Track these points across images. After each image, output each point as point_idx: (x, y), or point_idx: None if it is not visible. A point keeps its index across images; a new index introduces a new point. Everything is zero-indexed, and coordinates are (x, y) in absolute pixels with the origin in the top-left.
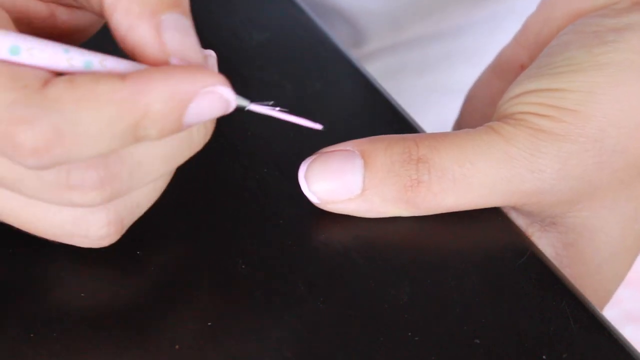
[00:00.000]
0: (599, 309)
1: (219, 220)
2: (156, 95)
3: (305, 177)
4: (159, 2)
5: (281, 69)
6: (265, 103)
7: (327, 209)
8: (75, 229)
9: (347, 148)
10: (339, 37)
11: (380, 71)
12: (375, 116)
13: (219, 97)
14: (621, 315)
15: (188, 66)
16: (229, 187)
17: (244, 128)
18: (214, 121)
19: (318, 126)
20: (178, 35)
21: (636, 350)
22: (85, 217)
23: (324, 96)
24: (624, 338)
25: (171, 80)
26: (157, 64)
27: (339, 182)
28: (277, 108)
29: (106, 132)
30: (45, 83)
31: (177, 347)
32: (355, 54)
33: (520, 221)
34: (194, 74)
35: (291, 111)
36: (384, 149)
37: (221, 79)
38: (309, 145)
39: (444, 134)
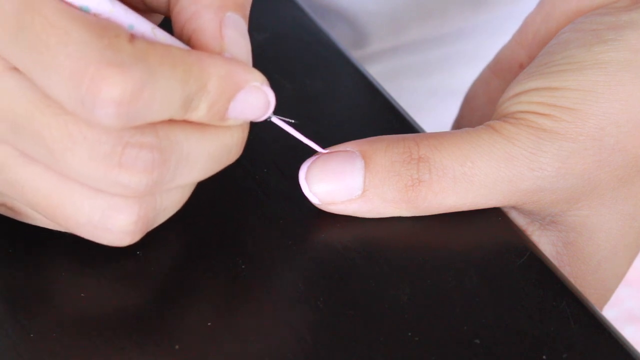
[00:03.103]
0: (599, 308)
1: (219, 220)
2: (216, 70)
3: (306, 178)
4: (228, 0)
5: (281, 69)
6: (287, 120)
7: (327, 210)
8: (103, 220)
9: (348, 149)
10: (340, 38)
11: (381, 73)
12: (376, 117)
13: (263, 95)
14: (621, 315)
15: (242, 61)
16: (229, 188)
17: None
18: (246, 136)
19: (322, 150)
20: (237, 35)
21: (636, 350)
22: (117, 208)
23: (324, 96)
24: (624, 338)
25: (230, 63)
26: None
27: (340, 183)
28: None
29: (174, 94)
30: (132, 38)
31: (177, 347)
32: (356, 56)
33: (520, 220)
34: (248, 67)
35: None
36: (384, 149)
37: (267, 81)
38: (310, 146)
39: (444, 133)
